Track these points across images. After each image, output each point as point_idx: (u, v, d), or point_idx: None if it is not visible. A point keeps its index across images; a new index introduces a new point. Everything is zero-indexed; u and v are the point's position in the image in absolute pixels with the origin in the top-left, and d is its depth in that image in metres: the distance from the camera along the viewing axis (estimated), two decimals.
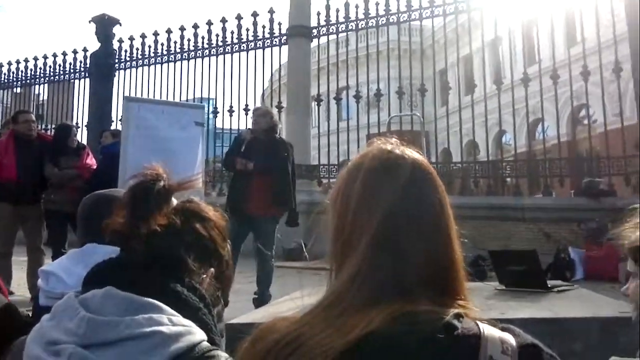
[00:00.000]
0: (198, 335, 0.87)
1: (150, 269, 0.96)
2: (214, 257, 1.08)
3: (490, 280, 3.49)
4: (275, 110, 10.56)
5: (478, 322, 0.75)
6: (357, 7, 9.81)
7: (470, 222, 7.60)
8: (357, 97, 9.61)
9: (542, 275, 3.08)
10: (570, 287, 3.00)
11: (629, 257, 1.14)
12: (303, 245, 7.96)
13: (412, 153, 0.85)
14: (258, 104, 10.75)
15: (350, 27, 10.01)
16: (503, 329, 0.76)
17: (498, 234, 7.64)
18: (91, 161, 5.57)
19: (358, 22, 9.86)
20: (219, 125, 11.18)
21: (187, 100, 10.83)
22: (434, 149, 10.10)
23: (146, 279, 0.94)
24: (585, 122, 10.32)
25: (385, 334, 0.71)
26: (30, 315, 1.77)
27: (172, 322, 0.85)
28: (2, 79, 13.67)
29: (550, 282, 2.96)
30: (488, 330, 0.74)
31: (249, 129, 4.87)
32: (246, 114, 10.37)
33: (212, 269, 1.06)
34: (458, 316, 0.74)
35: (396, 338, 0.71)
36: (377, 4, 9.65)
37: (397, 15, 9.52)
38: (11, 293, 5.08)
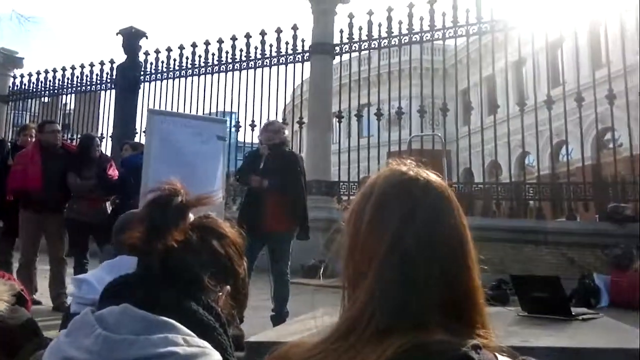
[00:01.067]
0: (213, 356, 0.86)
1: (166, 286, 0.95)
2: (230, 275, 1.06)
3: (513, 304, 3.42)
4: (296, 126, 10.63)
5: (497, 355, 0.71)
6: (380, 25, 9.84)
7: (492, 245, 7.49)
8: (379, 114, 9.60)
9: (566, 303, 3.00)
10: (596, 316, 2.91)
11: None
12: (319, 263, 7.90)
13: (427, 175, 0.81)
14: (280, 119, 10.79)
15: (373, 46, 10.04)
16: None
17: (520, 258, 7.51)
18: (113, 172, 5.63)
19: (381, 40, 9.88)
20: (240, 139, 11.26)
21: (210, 113, 10.93)
22: (455, 169, 10.02)
23: (162, 296, 0.93)
24: (611, 145, 10.15)
25: None
26: (60, 324, 1.82)
27: (187, 342, 0.84)
28: (31, 88, 13.98)
29: (574, 310, 2.87)
30: None
31: (265, 145, 4.82)
32: None
33: (228, 287, 1.05)
34: (476, 347, 0.70)
35: None
36: (400, 22, 9.67)
37: (420, 34, 9.52)
38: (38, 303, 5.14)
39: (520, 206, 8.86)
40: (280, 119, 10.76)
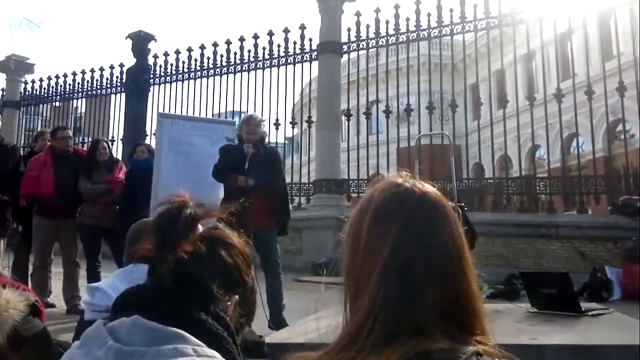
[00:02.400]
0: None
1: (177, 297, 0.97)
2: (239, 284, 1.09)
3: (523, 300, 3.42)
4: (305, 125, 10.64)
5: None
6: (387, 22, 9.83)
7: (503, 240, 7.48)
8: (387, 111, 9.59)
9: (576, 299, 3.00)
10: (605, 311, 2.90)
11: None
12: (329, 261, 7.88)
13: (422, 186, 0.84)
14: (289, 118, 10.81)
15: (380, 43, 10.03)
16: None
17: (531, 252, 7.48)
18: (123, 175, 5.67)
19: (388, 37, 9.87)
20: None
21: (219, 114, 11.00)
22: (465, 164, 9.97)
23: (172, 306, 0.95)
24: (622, 137, 10.07)
25: None
26: (74, 332, 1.85)
27: (196, 352, 0.86)
28: (42, 93, 14.13)
29: (584, 305, 2.87)
30: None
31: (248, 144, 4.62)
32: (277, 129, 10.48)
33: (237, 296, 1.07)
34: (476, 354, 0.72)
35: None
36: (407, 19, 9.65)
37: (427, 30, 9.51)
38: (52, 305, 5.23)
39: (531, 200, 8.81)
40: (289, 118, 10.82)
